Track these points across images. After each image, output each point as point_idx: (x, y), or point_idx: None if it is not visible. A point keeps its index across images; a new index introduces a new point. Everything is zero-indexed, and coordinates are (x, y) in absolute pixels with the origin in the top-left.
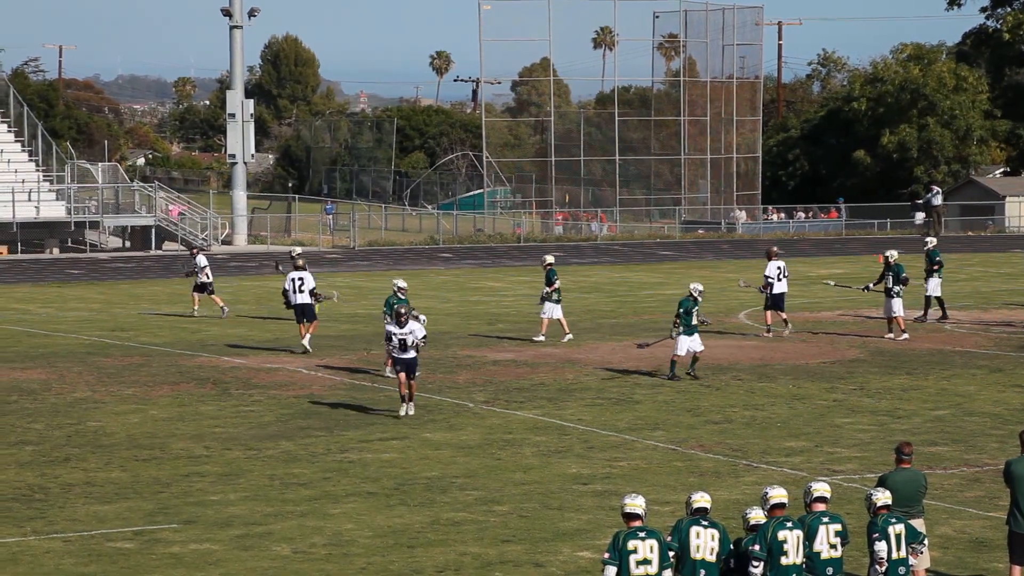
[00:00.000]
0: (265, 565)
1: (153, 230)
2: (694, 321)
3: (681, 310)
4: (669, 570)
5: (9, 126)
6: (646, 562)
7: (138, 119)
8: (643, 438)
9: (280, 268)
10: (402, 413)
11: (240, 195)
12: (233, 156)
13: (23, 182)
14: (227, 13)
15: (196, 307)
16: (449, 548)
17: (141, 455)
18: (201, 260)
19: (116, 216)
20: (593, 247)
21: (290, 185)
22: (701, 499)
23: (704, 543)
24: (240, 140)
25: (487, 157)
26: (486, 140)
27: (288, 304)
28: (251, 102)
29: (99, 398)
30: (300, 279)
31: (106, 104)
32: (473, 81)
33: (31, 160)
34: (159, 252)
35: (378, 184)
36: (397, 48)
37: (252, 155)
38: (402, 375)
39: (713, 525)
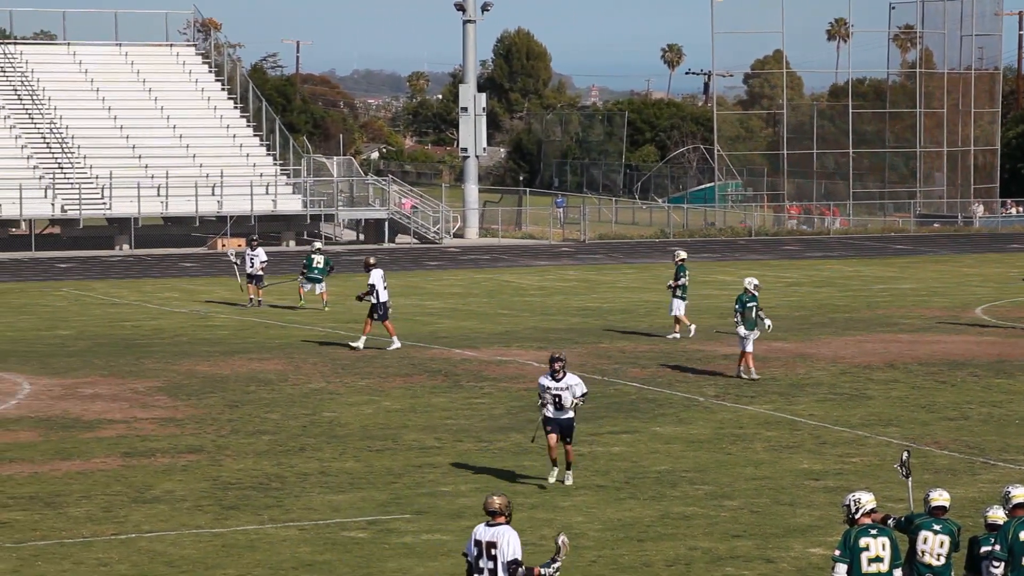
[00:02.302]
0: None
1: (386, 223)
2: None
3: None
4: (899, 569)
5: (248, 121)
6: (878, 560)
7: (372, 113)
8: (876, 434)
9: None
10: (551, 480)
11: (472, 188)
12: (465, 150)
13: (261, 176)
14: (460, 7)
15: (251, 296)
16: (679, 542)
17: (374, 446)
18: (261, 254)
19: (350, 209)
20: (826, 241)
21: (521, 178)
22: (940, 498)
23: (932, 548)
24: (472, 134)
25: (718, 150)
26: (717, 133)
27: (361, 297)
28: (483, 96)
29: (333, 389)
30: (383, 277)
31: (341, 99)
32: (705, 74)
33: (269, 154)
34: (392, 245)
35: (608, 177)
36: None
37: (484, 149)
38: (552, 437)
39: (946, 528)
